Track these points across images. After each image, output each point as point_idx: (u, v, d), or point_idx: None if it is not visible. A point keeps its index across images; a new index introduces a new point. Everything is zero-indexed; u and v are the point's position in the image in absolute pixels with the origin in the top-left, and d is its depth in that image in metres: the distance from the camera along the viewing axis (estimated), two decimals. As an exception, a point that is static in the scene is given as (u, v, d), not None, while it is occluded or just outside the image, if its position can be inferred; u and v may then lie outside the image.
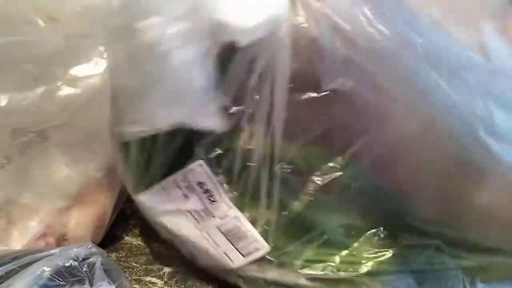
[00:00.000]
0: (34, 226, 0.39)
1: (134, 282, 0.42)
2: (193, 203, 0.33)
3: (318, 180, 0.32)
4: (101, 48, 0.38)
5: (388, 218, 0.33)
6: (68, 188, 0.40)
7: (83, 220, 0.41)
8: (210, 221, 0.33)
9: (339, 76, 0.28)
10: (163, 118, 0.27)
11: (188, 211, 0.33)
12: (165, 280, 0.42)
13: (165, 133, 0.30)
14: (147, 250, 0.45)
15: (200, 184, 0.32)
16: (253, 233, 0.33)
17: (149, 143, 0.32)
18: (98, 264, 0.32)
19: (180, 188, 0.33)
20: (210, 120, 0.28)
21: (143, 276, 0.43)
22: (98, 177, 0.41)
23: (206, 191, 0.32)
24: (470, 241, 0.32)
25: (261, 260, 0.35)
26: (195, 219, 0.34)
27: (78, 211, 0.41)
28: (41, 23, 0.37)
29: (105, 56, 0.37)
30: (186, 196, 0.33)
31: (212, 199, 0.32)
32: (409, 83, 0.27)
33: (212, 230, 0.34)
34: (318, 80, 0.28)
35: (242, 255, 0.35)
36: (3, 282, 0.29)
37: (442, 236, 0.32)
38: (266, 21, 0.25)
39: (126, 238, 0.47)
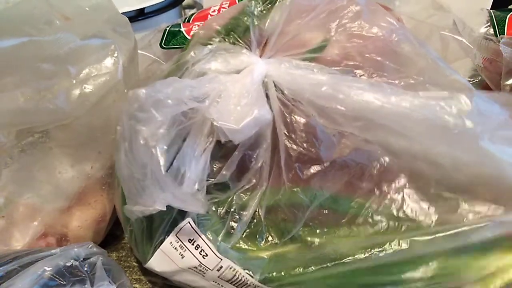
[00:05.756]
0: (35, 226, 0.39)
1: (134, 282, 0.42)
2: (189, 260, 0.34)
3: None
4: (112, 47, 0.38)
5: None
6: (70, 188, 0.40)
7: (84, 220, 0.41)
8: (212, 273, 0.34)
9: (335, 148, 0.33)
10: (159, 201, 0.30)
11: (189, 268, 0.35)
12: (166, 279, 0.42)
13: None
14: (147, 249, 0.45)
15: (191, 241, 0.34)
16: (252, 280, 0.34)
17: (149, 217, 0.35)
18: (99, 264, 0.32)
19: (175, 249, 0.34)
20: (196, 205, 0.31)
21: (143, 275, 0.43)
22: (99, 177, 0.41)
23: (197, 247, 0.34)
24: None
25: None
26: (199, 273, 0.35)
27: (79, 211, 0.41)
28: (57, 22, 0.37)
29: (114, 55, 0.38)
30: (182, 256, 0.34)
31: (203, 253, 0.34)
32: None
33: (218, 280, 0.35)
34: (318, 155, 0.33)
35: None
36: (4, 282, 0.29)
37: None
38: (253, 122, 0.31)
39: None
